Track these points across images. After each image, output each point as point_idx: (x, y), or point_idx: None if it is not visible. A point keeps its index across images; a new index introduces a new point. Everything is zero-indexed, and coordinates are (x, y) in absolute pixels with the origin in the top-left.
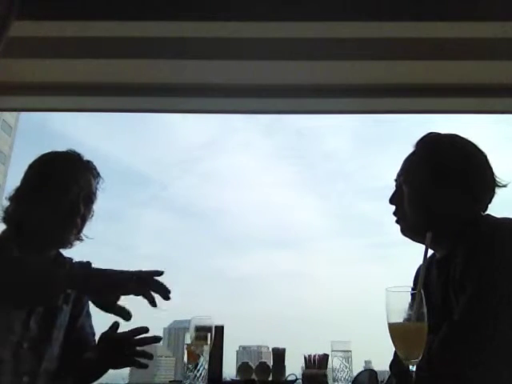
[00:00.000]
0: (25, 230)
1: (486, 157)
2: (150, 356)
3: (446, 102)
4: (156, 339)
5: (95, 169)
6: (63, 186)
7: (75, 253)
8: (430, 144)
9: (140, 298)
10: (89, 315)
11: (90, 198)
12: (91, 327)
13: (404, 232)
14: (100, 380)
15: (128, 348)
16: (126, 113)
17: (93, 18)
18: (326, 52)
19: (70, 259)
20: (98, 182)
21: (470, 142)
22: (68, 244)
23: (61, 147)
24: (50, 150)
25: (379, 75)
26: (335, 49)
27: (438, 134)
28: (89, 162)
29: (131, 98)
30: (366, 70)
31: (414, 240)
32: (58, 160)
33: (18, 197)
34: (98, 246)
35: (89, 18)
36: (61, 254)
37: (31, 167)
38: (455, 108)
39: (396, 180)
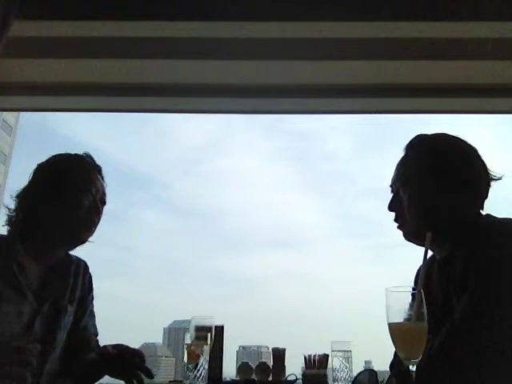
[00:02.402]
0: (39, 229)
1: (476, 151)
2: (151, 375)
3: (446, 102)
4: (151, 375)
5: (102, 173)
6: (84, 187)
7: (78, 253)
8: (420, 146)
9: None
10: (92, 315)
11: (104, 200)
12: (95, 327)
13: (407, 237)
14: (100, 380)
15: (129, 363)
16: (126, 113)
17: (93, 18)
18: (325, 52)
19: (84, 262)
20: (106, 187)
21: (458, 138)
22: (84, 243)
23: (61, 147)
24: (62, 152)
25: (379, 75)
26: (335, 49)
27: (426, 135)
28: (99, 167)
29: (131, 98)
30: (366, 70)
31: (418, 244)
32: (76, 162)
33: (29, 196)
34: (99, 246)
35: (89, 18)
36: (68, 254)
37: (47, 167)
38: (455, 108)
39: (392, 186)
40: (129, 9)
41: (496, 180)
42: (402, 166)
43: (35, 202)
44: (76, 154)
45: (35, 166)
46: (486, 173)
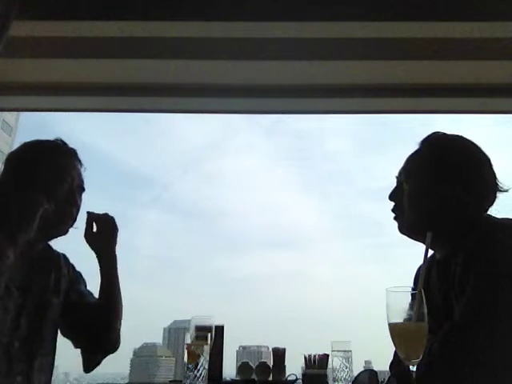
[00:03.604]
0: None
1: (489, 160)
2: None
3: (447, 101)
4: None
5: (79, 157)
6: (57, 177)
7: (77, 252)
8: (435, 143)
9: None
10: (84, 283)
11: (82, 187)
12: (90, 293)
13: (401, 229)
14: (100, 380)
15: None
16: (127, 113)
17: (93, 18)
18: (326, 52)
19: (62, 254)
20: (84, 171)
21: (474, 144)
22: (65, 233)
23: None
24: (33, 139)
25: (379, 75)
26: (335, 49)
27: (444, 134)
28: (74, 151)
29: (131, 98)
30: (366, 70)
31: (411, 238)
32: (47, 150)
33: (4, 189)
34: None
35: (89, 18)
36: (49, 247)
37: (16, 158)
38: (455, 108)
39: (397, 177)
40: (129, 9)
41: (503, 191)
42: (411, 160)
43: (7, 196)
44: (47, 141)
45: (6, 156)
46: (494, 182)
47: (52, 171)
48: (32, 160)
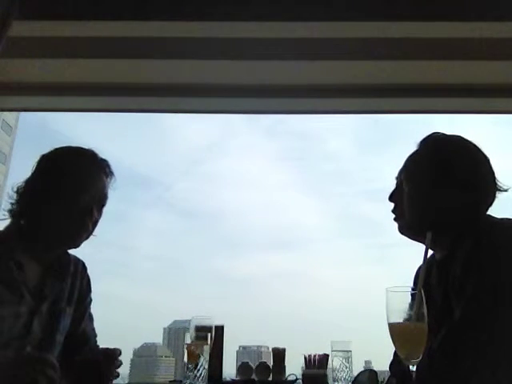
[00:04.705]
0: (37, 227)
1: (488, 160)
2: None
3: (446, 101)
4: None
5: (110, 167)
6: (82, 187)
7: (78, 253)
8: (434, 144)
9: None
10: (91, 318)
11: (103, 201)
12: (93, 331)
13: (402, 230)
14: None
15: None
16: (127, 113)
17: (93, 18)
18: (326, 52)
19: (82, 262)
20: (110, 182)
21: (473, 144)
22: (77, 246)
23: None
24: (67, 145)
25: (379, 75)
26: (335, 49)
27: (443, 134)
28: (104, 161)
29: (131, 98)
30: (366, 70)
31: (411, 239)
32: (78, 159)
33: (28, 190)
34: (100, 246)
35: (88, 18)
36: (66, 253)
37: (47, 161)
38: (455, 108)
39: (397, 178)
40: (128, 9)
41: (502, 191)
42: (410, 160)
43: (32, 197)
44: (80, 149)
45: (38, 157)
46: (494, 182)
47: (77, 181)
48: (61, 165)
